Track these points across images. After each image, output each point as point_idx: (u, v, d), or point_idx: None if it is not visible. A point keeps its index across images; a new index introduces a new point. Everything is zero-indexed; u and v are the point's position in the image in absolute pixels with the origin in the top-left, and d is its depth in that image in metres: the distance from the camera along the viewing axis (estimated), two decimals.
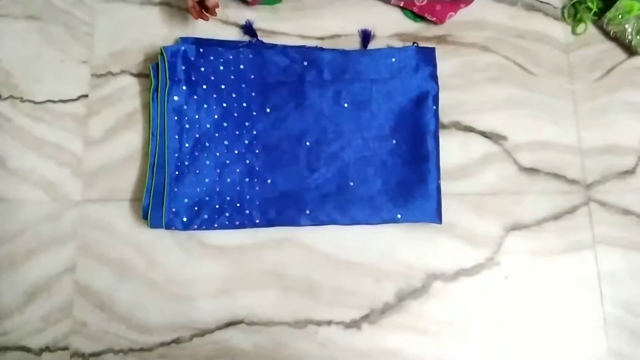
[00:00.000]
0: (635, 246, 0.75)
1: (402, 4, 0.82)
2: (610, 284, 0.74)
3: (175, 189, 0.73)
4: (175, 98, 0.74)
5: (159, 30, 0.82)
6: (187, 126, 0.75)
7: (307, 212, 0.73)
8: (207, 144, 0.75)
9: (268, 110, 0.76)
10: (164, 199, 0.72)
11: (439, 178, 0.74)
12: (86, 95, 0.81)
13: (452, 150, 0.78)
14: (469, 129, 0.79)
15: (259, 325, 0.73)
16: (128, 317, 0.74)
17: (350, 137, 0.76)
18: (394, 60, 0.77)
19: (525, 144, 0.79)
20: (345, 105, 0.76)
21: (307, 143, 0.76)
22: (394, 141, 0.76)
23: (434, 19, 0.81)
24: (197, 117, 0.75)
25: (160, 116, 0.75)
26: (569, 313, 0.74)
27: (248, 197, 0.74)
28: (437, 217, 0.73)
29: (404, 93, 0.77)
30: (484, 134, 0.79)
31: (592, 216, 0.77)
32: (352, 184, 0.74)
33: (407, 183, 0.74)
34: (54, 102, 0.80)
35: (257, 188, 0.74)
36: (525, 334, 0.73)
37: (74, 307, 0.74)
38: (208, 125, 0.75)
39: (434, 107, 0.76)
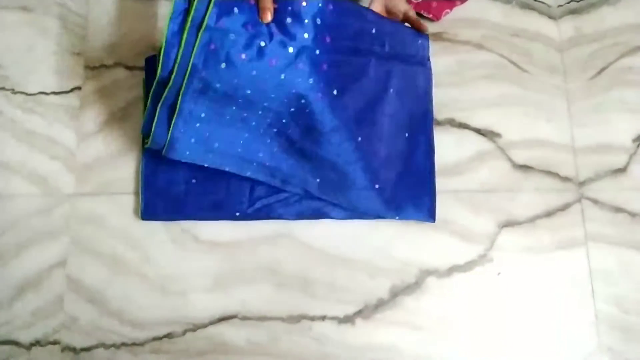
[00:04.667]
0: (627, 244, 0.76)
1: None
2: (602, 281, 0.75)
3: (191, 109, 0.61)
4: (212, 47, 0.57)
5: (154, 23, 0.82)
6: (215, 72, 0.58)
7: (318, 180, 0.70)
8: (240, 101, 0.62)
9: (335, 93, 0.62)
10: (175, 114, 0.61)
11: (434, 176, 0.74)
12: (79, 88, 0.80)
13: (446, 147, 0.78)
14: (463, 126, 0.80)
15: (253, 320, 0.73)
16: (120, 311, 0.73)
17: (373, 129, 0.69)
18: (420, 42, 0.75)
19: (519, 142, 0.79)
20: (391, 90, 0.70)
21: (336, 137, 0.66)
22: (406, 134, 0.73)
23: (430, 16, 0.81)
24: (224, 65, 0.57)
25: (184, 47, 0.57)
26: (561, 309, 0.74)
27: (261, 155, 0.69)
28: (431, 216, 0.73)
29: (417, 82, 0.74)
30: (478, 131, 0.79)
31: (584, 214, 0.77)
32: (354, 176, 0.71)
33: (403, 181, 0.73)
34: (46, 94, 0.80)
35: (275, 155, 0.69)
36: (517, 329, 0.74)
37: (65, 301, 0.73)
38: (254, 72, 0.58)
39: (432, 101, 0.75)
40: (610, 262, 0.75)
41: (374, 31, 0.66)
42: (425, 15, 0.81)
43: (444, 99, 0.79)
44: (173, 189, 0.74)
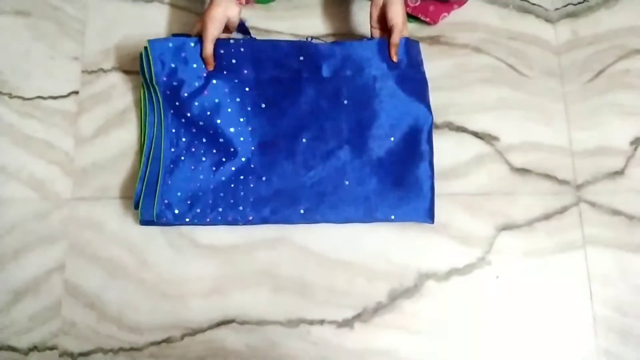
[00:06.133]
0: (624, 246, 0.76)
1: None
2: (600, 283, 0.75)
3: (169, 182, 0.72)
4: (168, 93, 0.73)
5: (152, 28, 0.82)
6: (183, 120, 0.74)
7: (302, 211, 0.72)
8: (203, 140, 0.74)
9: (263, 105, 0.75)
10: (156, 190, 0.71)
11: (433, 177, 0.74)
12: (77, 92, 0.80)
13: (444, 150, 0.78)
14: (461, 130, 0.80)
15: (251, 325, 0.73)
16: (118, 316, 0.73)
17: (348, 135, 0.74)
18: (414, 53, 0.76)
19: (517, 145, 0.79)
20: (345, 102, 0.75)
21: (304, 140, 0.74)
22: (392, 139, 0.75)
23: (427, 19, 0.81)
24: (188, 115, 0.73)
25: (157, 108, 0.74)
26: (559, 312, 0.74)
27: (242, 194, 0.73)
28: (430, 217, 0.73)
29: (404, 88, 0.74)
30: (476, 134, 0.80)
31: (582, 216, 0.77)
32: (347, 183, 0.73)
33: (402, 182, 0.73)
34: (43, 98, 0.79)
35: (251, 185, 0.73)
36: (515, 333, 0.74)
37: (63, 306, 0.73)
38: (201, 123, 0.74)
39: (429, 104, 0.75)
40: (608, 265, 0.76)
41: (301, 58, 0.75)
42: (422, 18, 0.81)
43: (442, 102, 0.79)
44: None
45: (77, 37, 0.82)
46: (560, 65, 0.83)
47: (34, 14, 0.82)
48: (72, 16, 0.82)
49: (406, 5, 0.80)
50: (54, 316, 0.73)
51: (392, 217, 0.72)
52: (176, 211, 0.71)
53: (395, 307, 0.74)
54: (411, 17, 0.82)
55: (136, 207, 0.72)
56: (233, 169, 0.74)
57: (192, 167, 0.73)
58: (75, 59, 0.81)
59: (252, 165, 0.74)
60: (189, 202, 0.72)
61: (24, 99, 0.79)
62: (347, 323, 0.73)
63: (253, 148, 0.75)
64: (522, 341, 0.73)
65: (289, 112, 0.75)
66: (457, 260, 0.75)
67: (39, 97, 0.80)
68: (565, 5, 0.85)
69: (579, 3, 0.85)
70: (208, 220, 0.72)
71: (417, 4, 0.80)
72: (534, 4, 0.85)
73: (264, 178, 0.74)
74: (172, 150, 0.74)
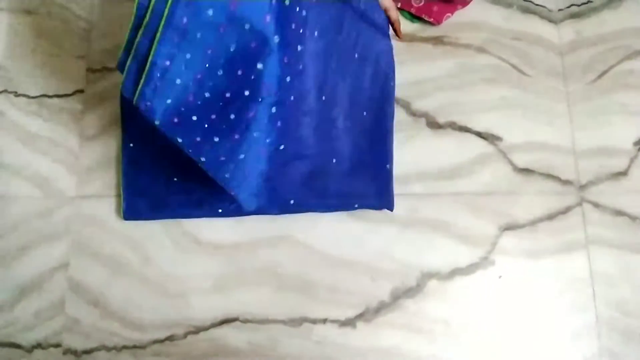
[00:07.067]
0: (628, 247, 0.76)
1: (399, 5, 0.82)
2: (603, 283, 0.75)
3: (167, 73, 0.52)
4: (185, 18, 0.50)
5: None
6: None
7: (292, 202, 0.70)
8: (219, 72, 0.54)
9: (300, 67, 0.58)
10: (146, 65, 0.51)
11: (391, 161, 0.73)
12: (82, 91, 0.80)
13: (448, 150, 0.78)
14: (464, 129, 0.80)
15: (254, 323, 0.73)
16: (121, 314, 0.73)
17: (338, 112, 0.69)
18: (384, 18, 0.74)
19: (520, 145, 0.79)
20: (356, 56, 0.68)
21: (323, 97, 0.63)
22: (365, 113, 0.70)
23: (431, 19, 0.82)
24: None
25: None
26: (562, 312, 0.74)
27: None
28: (389, 203, 0.73)
29: (378, 61, 0.71)
30: (479, 134, 0.80)
31: (585, 217, 0.77)
32: (334, 160, 0.70)
33: (366, 166, 0.72)
34: (49, 96, 0.80)
35: (262, 146, 0.62)
36: (518, 332, 0.74)
37: (66, 303, 0.74)
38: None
39: (394, 87, 0.74)
40: (611, 265, 0.76)
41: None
42: (426, 19, 0.81)
43: (445, 102, 0.79)
44: (155, 188, 0.74)
45: (82, 35, 0.82)
46: (564, 65, 0.83)
47: (40, 13, 0.83)
48: (78, 15, 0.83)
49: (410, 5, 0.81)
50: (58, 313, 0.73)
51: (356, 205, 0.73)
52: (168, 101, 0.53)
53: (398, 306, 0.74)
54: (415, 17, 0.82)
55: (121, 69, 0.53)
56: (251, 114, 0.57)
57: (199, 76, 0.53)
58: (80, 57, 0.81)
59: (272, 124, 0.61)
60: (183, 109, 0.55)
61: (29, 97, 0.80)
62: (349, 322, 0.73)
63: (279, 123, 0.61)
64: (525, 340, 0.73)
65: (315, 79, 0.63)
66: (460, 260, 0.75)
67: (44, 95, 0.80)
68: (569, 6, 0.85)
69: (583, 4, 0.85)
70: (198, 140, 0.57)
71: (421, 4, 0.81)
72: (537, 5, 0.85)
73: (268, 140, 0.62)
74: (175, 41, 0.50)
